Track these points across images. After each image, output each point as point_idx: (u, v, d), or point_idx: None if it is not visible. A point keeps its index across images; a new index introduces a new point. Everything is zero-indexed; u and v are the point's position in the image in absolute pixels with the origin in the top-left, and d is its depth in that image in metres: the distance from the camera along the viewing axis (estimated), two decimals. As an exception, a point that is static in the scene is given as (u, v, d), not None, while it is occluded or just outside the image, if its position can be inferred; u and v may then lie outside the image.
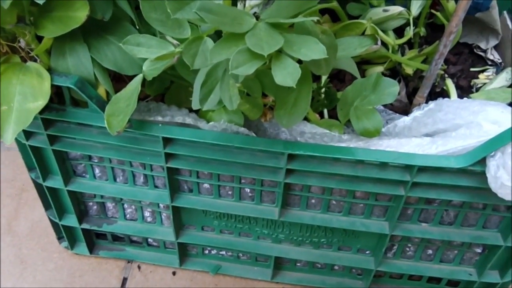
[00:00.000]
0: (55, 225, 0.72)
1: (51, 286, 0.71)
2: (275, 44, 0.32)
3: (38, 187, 0.66)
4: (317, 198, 0.60)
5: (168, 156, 0.56)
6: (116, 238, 0.74)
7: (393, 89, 0.55)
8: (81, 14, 0.45)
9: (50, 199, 0.65)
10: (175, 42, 0.43)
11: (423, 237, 0.61)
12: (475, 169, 0.52)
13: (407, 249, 0.66)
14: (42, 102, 0.48)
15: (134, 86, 0.50)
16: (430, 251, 0.66)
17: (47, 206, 0.69)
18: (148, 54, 0.38)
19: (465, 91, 0.75)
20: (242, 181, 0.59)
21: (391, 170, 0.54)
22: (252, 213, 0.62)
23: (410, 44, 0.78)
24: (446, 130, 0.56)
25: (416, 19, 0.74)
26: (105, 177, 0.63)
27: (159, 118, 0.54)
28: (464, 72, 0.77)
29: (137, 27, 0.52)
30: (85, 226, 0.69)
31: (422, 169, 0.53)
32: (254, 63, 0.32)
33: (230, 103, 0.39)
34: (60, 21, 0.47)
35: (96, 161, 0.61)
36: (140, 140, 0.55)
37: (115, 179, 0.63)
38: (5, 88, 0.48)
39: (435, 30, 0.80)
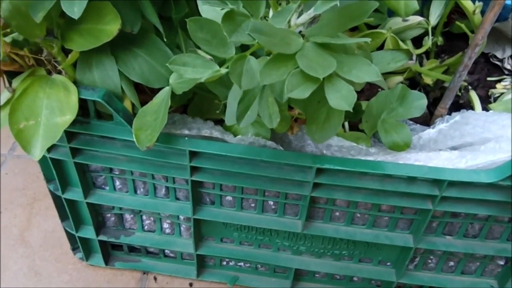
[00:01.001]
0: (70, 236, 0.71)
1: (66, 299, 0.70)
2: (328, 67, 0.31)
3: (56, 199, 0.64)
4: (342, 211, 0.59)
5: (193, 170, 0.55)
6: (132, 249, 0.73)
7: (421, 102, 0.55)
8: (112, 28, 0.44)
9: (68, 211, 0.64)
10: (208, 56, 0.42)
11: (447, 250, 0.61)
12: (504, 183, 0.51)
13: (429, 261, 0.65)
14: (70, 117, 0.47)
15: (161, 99, 0.49)
16: (451, 263, 0.65)
17: (63, 218, 0.68)
18: (194, 74, 0.38)
19: (482, 101, 0.75)
20: (266, 194, 0.58)
21: (420, 184, 0.53)
22: (275, 226, 0.61)
23: (426, 53, 0.78)
24: (473, 144, 0.55)
25: (434, 29, 0.74)
26: (126, 189, 0.62)
27: (186, 131, 0.53)
28: (481, 81, 0.77)
29: (164, 40, 0.51)
30: (103, 237, 0.68)
31: (452, 184, 0.52)
32: (309, 86, 0.31)
33: (270, 121, 0.38)
34: (89, 34, 0.46)
35: (117, 173, 0.60)
36: (165, 153, 0.54)
37: (135, 191, 0.62)
38: (32, 102, 0.47)
39: (450, 39, 0.80)
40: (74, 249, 0.73)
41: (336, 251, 0.65)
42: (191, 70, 0.38)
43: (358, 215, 0.59)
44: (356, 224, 0.61)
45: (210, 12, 0.39)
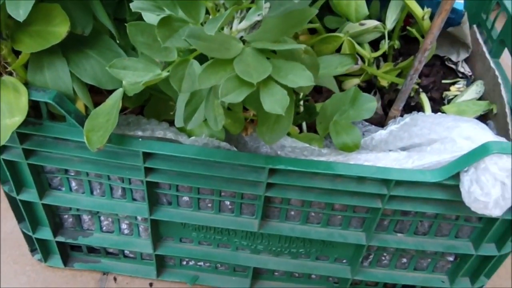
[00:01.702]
0: (28, 238, 0.70)
1: (24, 300, 0.70)
2: (263, 72, 0.32)
3: (12, 200, 0.64)
4: (296, 210, 0.61)
5: (148, 171, 0.56)
6: (91, 250, 0.73)
7: (371, 105, 0.56)
8: (61, 30, 0.45)
9: (24, 212, 0.64)
10: (158, 59, 0.43)
11: (399, 247, 0.63)
12: (449, 183, 0.53)
13: (383, 258, 0.67)
14: (19, 118, 0.47)
15: (114, 101, 0.49)
16: (404, 260, 0.67)
17: (20, 219, 0.67)
18: (134, 77, 0.38)
19: (437, 103, 0.77)
20: (222, 194, 0.59)
21: (369, 183, 0.55)
22: (232, 226, 0.62)
23: (384, 56, 0.80)
24: (421, 145, 0.57)
25: (391, 32, 0.76)
26: (82, 190, 0.62)
27: (139, 133, 0.53)
28: (436, 84, 0.80)
29: (117, 41, 0.51)
30: (60, 239, 0.68)
31: (399, 183, 0.54)
32: (243, 91, 0.32)
33: (215, 124, 0.39)
34: (39, 36, 0.46)
35: (72, 174, 0.60)
36: (119, 155, 0.54)
37: (92, 192, 0.62)
38: (-20, 104, 0.46)
39: (408, 42, 0.82)
40: (33, 250, 0.73)
41: (293, 250, 0.66)
42: (132, 74, 0.38)
43: (313, 214, 0.61)
44: (311, 223, 0.62)
45: (152, 16, 0.39)
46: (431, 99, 0.76)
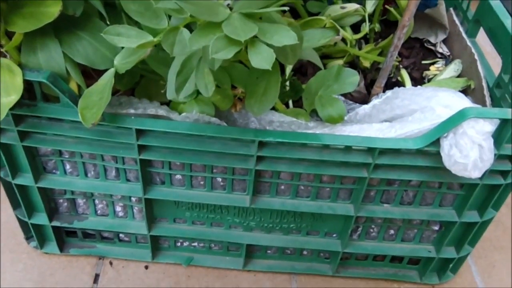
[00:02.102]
0: (23, 225, 0.71)
1: (21, 287, 0.71)
2: (250, 31, 0.34)
3: (7, 185, 0.65)
4: (286, 184, 0.63)
5: (141, 148, 0.58)
6: (86, 235, 0.74)
7: (353, 79, 0.59)
8: (53, 10, 0.46)
9: (20, 198, 0.65)
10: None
11: (386, 217, 0.65)
12: (430, 149, 0.56)
13: (371, 230, 0.70)
14: (14, 97, 0.49)
15: (106, 80, 0.51)
16: (392, 231, 0.70)
17: (15, 205, 0.68)
18: (128, 43, 0.40)
19: (418, 82, 0.80)
20: (214, 170, 0.61)
21: (355, 153, 0.57)
22: (224, 202, 0.64)
23: (366, 39, 0.83)
24: (403, 115, 0.60)
25: (371, 16, 0.79)
26: (76, 172, 0.63)
27: (132, 111, 0.55)
28: (416, 64, 0.83)
29: (107, 23, 0.53)
30: (56, 223, 0.69)
31: (383, 152, 0.57)
32: (232, 48, 0.35)
33: (206, 90, 0.41)
34: (32, 17, 0.47)
35: (67, 156, 0.61)
36: (113, 133, 0.56)
37: (86, 174, 0.63)
38: (-24, 84, 0.48)
39: (388, 26, 0.85)
40: (28, 238, 0.74)
41: (285, 225, 0.68)
42: (126, 40, 0.40)
43: (302, 187, 0.63)
44: (300, 197, 0.64)
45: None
46: (412, 78, 0.79)
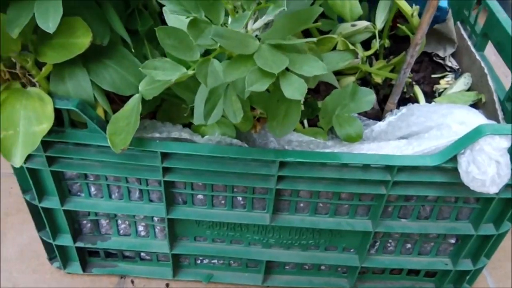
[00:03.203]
0: (47, 246, 0.73)
1: (46, 307, 0.72)
2: (282, 64, 0.36)
3: (33, 209, 0.66)
4: (305, 202, 0.64)
5: (165, 170, 0.59)
6: (108, 254, 0.75)
7: (370, 97, 0.60)
8: (84, 41, 0.48)
9: (45, 220, 0.66)
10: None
11: (403, 232, 0.67)
12: (448, 166, 0.57)
13: (388, 244, 0.71)
14: (46, 125, 0.50)
15: (132, 105, 0.53)
16: (409, 245, 0.71)
17: (40, 227, 0.70)
18: (165, 76, 0.42)
19: (429, 96, 0.82)
20: (235, 190, 0.63)
21: (373, 171, 0.59)
22: (245, 220, 0.65)
23: (376, 55, 0.84)
24: (419, 132, 0.61)
25: (381, 32, 0.81)
26: (101, 194, 0.65)
27: (156, 135, 0.57)
28: (426, 78, 0.84)
29: (132, 50, 0.55)
30: (79, 244, 0.70)
31: (401, 169, 0.58)
32: (266, 81, 0.36)
33: (234, 117, 0.42)
34: (62, 48, 0.49)
35: (92, 179, 0.63)
36: (138, 157, 0.58)
37: (110, 196, 0.65)
38: (9, 114, 0.49)
39: (397, 41, 0.87)
40: (51, 258, 0.75)
41: (303, 241, 0.70)
42: (162, 73, 0.42)
43: (321, 204, 0.64)
44: (319, 214, 0.66)
45: (175, 21, 0.43)
46: (423, 92, 0.81)
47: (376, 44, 0.79)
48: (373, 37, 0.80)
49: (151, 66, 0.42)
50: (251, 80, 0.36)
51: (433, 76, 0.84)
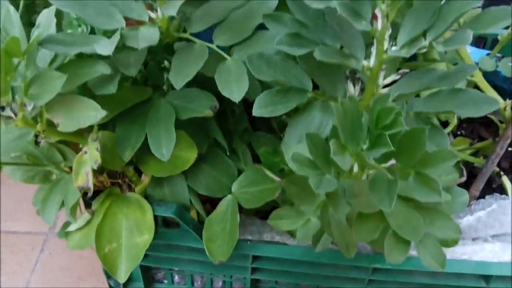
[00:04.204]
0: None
1: None
2: (419, 230, 0.35)
3: (115, 293, 0.67)
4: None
5: (253, 270, 0.59)
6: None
7: (463, 198, 0.58)
8: (189, 155, 0.48)
9: (128, 303, 0.67)
10: (277, 179, 0.46)
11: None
12: (549, 276, 0.55)
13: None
14: (148, 236, 0.51)
15: (225, 207, 0.53)
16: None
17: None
18: (291, 225, 0.42)
19: (506, 172, 0.79)
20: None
21: (468, 277, 0.57)
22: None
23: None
24: (514, 234, 0.59)
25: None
26: (184, 282, 0.65)
27: (248, 237, 0.56)
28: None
29: (227, 154, 0.55)
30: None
31: (499, 277, 0.56)
32: (402, 249, 0.35)
33: (347, 251, 0.42)
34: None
35: (176, 269, 0.63)
36: (230, 256, 0.57)
37: (192, 284, 0.65)
38: (113, 225, 0.50)
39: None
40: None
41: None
42: (288, 222, 0.42)
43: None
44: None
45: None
46: (501, 169, 0.78)
47: (454, 121, 0.78)
48: (450, 112, 0.78)
49: (277, 216, 0.42)
50: (389, 248, 0.35)
51: (509, 149, 0.81)
